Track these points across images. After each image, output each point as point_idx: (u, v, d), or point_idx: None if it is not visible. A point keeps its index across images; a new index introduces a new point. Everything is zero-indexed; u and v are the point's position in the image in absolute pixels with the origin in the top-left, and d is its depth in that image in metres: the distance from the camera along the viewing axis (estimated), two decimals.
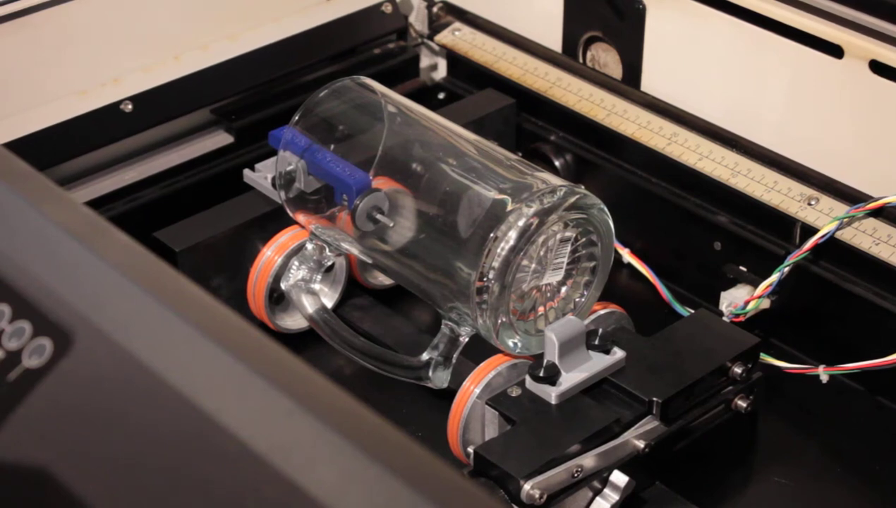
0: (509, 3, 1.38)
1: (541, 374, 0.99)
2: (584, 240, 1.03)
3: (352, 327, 1.13)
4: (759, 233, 1.16)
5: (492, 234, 0.99)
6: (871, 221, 1.10)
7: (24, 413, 0.69)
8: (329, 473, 0.61)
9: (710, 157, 1.19)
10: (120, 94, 1.24)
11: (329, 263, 1.15)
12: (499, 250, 0.99)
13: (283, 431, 0.63)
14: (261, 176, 1.20)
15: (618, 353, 1.02)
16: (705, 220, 1.19)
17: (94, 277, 0.71)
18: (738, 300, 1.14)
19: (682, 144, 1.21)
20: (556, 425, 0.98)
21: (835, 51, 1.14)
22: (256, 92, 1.33)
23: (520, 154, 1.27)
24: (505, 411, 1.00)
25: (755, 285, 1.14)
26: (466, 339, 1.05)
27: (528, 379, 1.00)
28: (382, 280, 1.21)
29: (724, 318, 1.13)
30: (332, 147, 1.10)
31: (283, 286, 1.14)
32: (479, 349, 1.04)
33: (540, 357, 1.01)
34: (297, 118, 1.12)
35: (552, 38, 1.35)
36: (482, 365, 1.03)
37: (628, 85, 1.28)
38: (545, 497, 0.94)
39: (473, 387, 1.02)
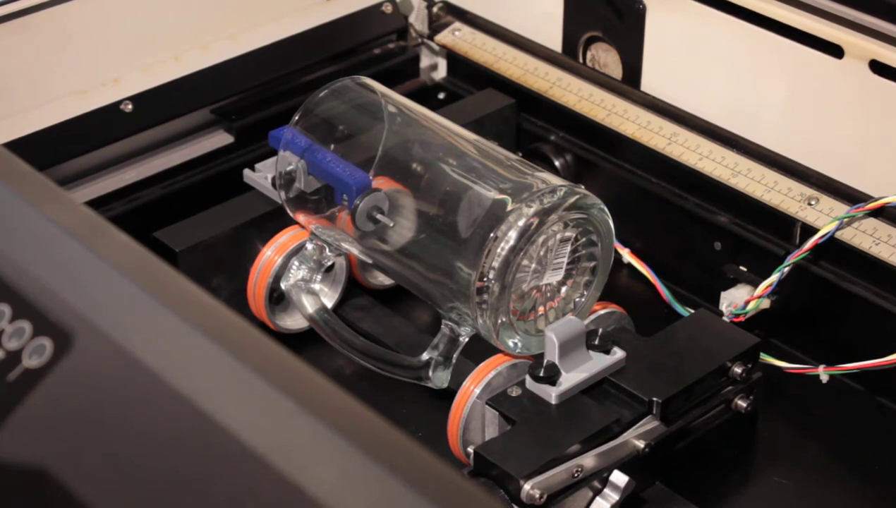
0: (509, 3, 1.38)
1: (541, 374, 0.99)
2: (584, 240, 1.03)
3: (352, 327, 1.13)
4: (759, 233, 1.16)
5: (492, 234, 0.99)
6: (871, 221, 1.10)
7: (24, 413, 0.69)
8: (329, 473, 0.61)
9: (710, 157, 1.19)
10: (120, 94, 1.24)
11: (329, 263, 1.15)
12: (499, 250, 0.99)
13: (283, 431, 0.63)
14: (261, 176, 1.20)
15: (618, 353, 1.02)
16: (705, 220, 1.19)
17: (94, 277, 0.71)
18: (738, 300, 1.14)
19: (682, 144, 1.21)
20: (556, 425, 0.98)
21: (835, 51, 1.14)
22: (256, 92, 1.33)
23: (520, 154, 1.27)
24: (505, 411, 1.00)
25: (755, 285, 1.14)
26: (466, 339, 1.05)
27: (528, 379, 1.00)
28: (382, 280, 1.21)
29: (724, 318, 1.13)
30: (332, 147, 1.10)
31: (283, 286, 1.14)
32: (479, 349, 1.04)
33: (540, 357, 1.01)
34: (297, 118, 1.12)
35: (552, 38, 1.35)
36: (482, 365, 1.03)
37: (628, 85, 1.28)
38: (545, 497, 0.94)
39: (473, 387, 1.02)
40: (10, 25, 1.18)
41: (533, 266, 1.01)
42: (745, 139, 1.19)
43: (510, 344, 1.02)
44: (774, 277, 1.11)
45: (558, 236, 1.01)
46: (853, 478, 1.08)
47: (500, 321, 1.01)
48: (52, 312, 0.70)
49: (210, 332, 0.67)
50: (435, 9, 1.41)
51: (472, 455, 0.97)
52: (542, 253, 1.01)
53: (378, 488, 0.60)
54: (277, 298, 1.17)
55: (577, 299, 1.05)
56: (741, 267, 1.17)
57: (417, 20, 1.43)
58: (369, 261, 1.12)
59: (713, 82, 1.24)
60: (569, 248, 1.02)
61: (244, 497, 0.62)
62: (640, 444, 0.99)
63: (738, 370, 1.04)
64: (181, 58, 1.28)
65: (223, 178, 1.27)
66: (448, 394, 1.05)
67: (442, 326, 1.06)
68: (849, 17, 1.13)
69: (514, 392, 1.00)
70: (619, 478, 0.98)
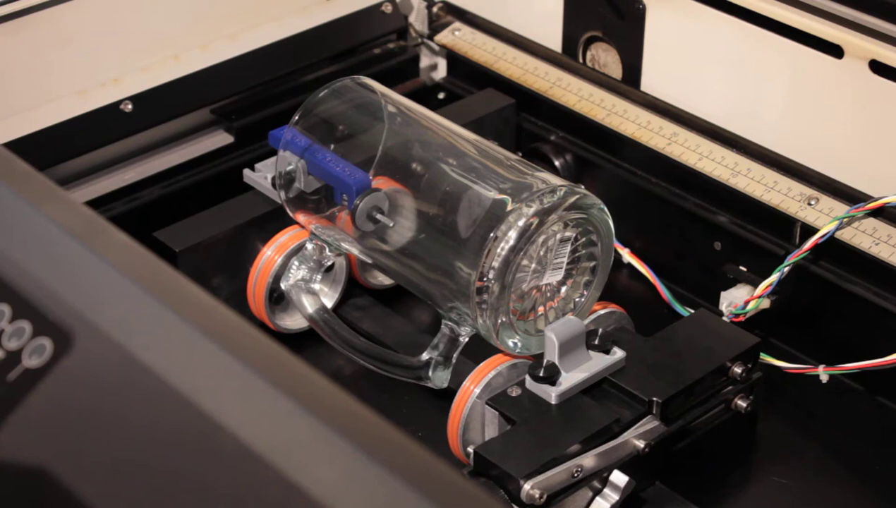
0: (509, 3, 1.38)
1: (541, 374, 0.99)
2: (584, 239, 1.03)
3: (352, 327, 1.13)
4: (759, 233, 1.16)
5: (492, 234, 0.99)
6: (871, 221, 1.10)
7: (24, 413, 0.69)
8: (329, 473, 0.61)
9: (710, 157, 1.19)
10: (120, 94, 1.24)
11: (329, 263, 1.15)
12: (499, 250, 0.99)
13: (283, 431, 0.63)
14: (261, 176, 1.20)
15: (618, 353, 1.02)
16: (705, 220, 1.19)
17: (94, 277, 0.71)
18: (738, 300, 1.14)
19: (682, 144, 1.21)
20: (556, 425, 0.98)
21: (835, 51, 1.14)
22: (256, 92, 1.33)
23: (520, 154, 1.27)
24: (505, 411, 1.00)
25: (755, 285, 1.14)
26: (466, 339, 1.05)
27: (528, 379, 1.00)
28: (382, 280, 1.21)
29: (724, 318, 1.13)
30: (332, 147, 1.10)
31: (283, 286, 1.14)
32: (479, 349, 1.04)
33: (540, 357, 1.01)
34: (296, 118, 1.12)
35: (552, 38, 1.35)
36: (482, 365, 1.03)
37: (628, 85, 1.28)
38: (545, 496, 0.94)
39: (473, 387, 1.02)
40: (10, 25, 1.18)
41: (533, 266, 1.01)
42: (745, 139, 1.19)
43: (510, 344, 1.02)
44: (774, 277, 1.11)
45: (558, 236, 1.01)
46: (853, 478, 1.08)
47: (500, 321, 1.01)
48: (52, 312, 0.70)
49: (210, 332, 0.67)
50: (435, 9, 1.41)
51: (472, 455, 0.97)
52: (542, 253, 1.01)
53: (378, 488, 0.60)
54: (277, 298, 1.17)
55: (577, 299, 1.05)
56: (741, 267, 1.17)
57: (417, 20, 1.43)
58: (369, 261, 1.12)
59: (713, 82, 1.24)
60: (569, 248, 1.02)
61: (244, 497, 0.62)
62: (640, 444, 0.99)
63: (738, 370, 1.04)
64: (181, 58, 1.28)
65: (223, 178, 1.27)
66: (448, 394, 1.05)
67: (442, 326, 1.06)
68: (849, 17, 1.13)
69: (514, 392, 1.00)
70: (619, 478, 0.98)
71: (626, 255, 1.21)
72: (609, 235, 1.04)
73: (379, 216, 1.07)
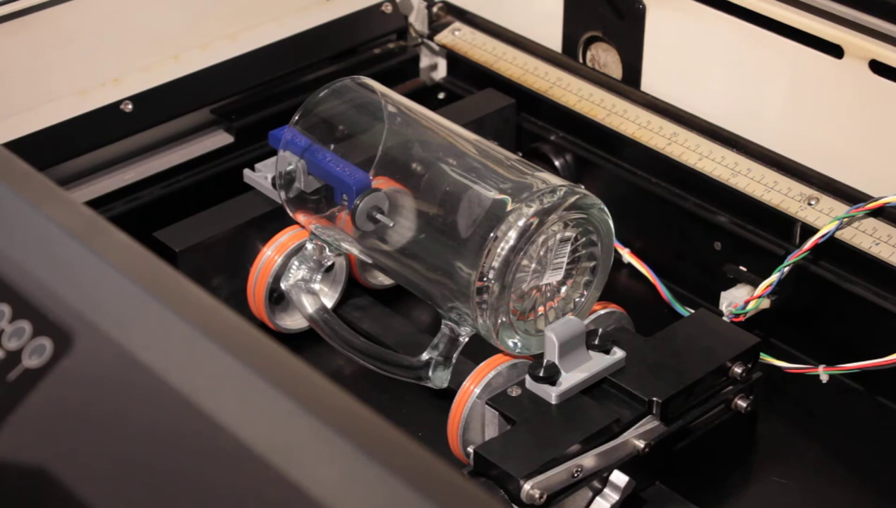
0: (509, 3, 1.38)
1: (541, 374, 0.99)
2: (584, 239, 1.03)
3: (352, 327, 1.13)
4: (759, 233, 1.16)
5: (492, 234, 0.99)
6: (871, 221, 1.10)
7: (24, 413, 0.69)
8: (329, 473, 0.61)
9: (710, 157, 1.19)
10: (120, 94, 1.24)
11: (329, 263, 1.15)
12: (499, 250, 0.99)
13: (283, 431, 0.63)
14: (261, 176, 1.20)
15: (618, 353, 1.02)
16: (705, 220, 1.19)
17: (94, 277, 0.71)
18: (738, 300, 1.14)
19: (682, 144, 1.21)
20: (556, 425, 0.98)
21: (835, 51, 1.14)
22: (256, 92, 1.33)
23: (520, 154, 1.27)
24: (505, 411, 1.00)
25: (755, 285, 1.14)
26: (466, 339, 1.05)
27: (528, 378, 1.00)
28: (382, 280, 1.21)
29: (724, 318, 1.13)
30: (332, 147, 1.10)
31: (283, 286, 1.14)
32: (479, 349, 1.04)
33: (540, 357, 1.01)
34: (296, 118, 1.12)
35: (552, 38, 1.35)
36: (482, 365, 1.03)
37: (628, 85, 1.28)
38: (545, 496, 0.94)
39: (473, 387, 1.02)
40: (10, 25, 1.18)
41: (533, 266, 1.01)
42: (745, 139, 1.19)
43: (510, 344, 1.02)
44: (774, 277, 1.11)
45: (558, 236, 1.01)
46: (853, 478, 1.08)
47: (500, 321, 1.01)
48: (52, 312, 0.70)
49: (210, 332, 0.67)
50: (435, 9, 1.41)
51: (472, 455, 0.97)
52: (542, 253, 1.01)
53: (378, 488, 0.60)
54: (277, 298, 1.17)
55: (577, 299, 1.05)
56: (741, 267, 1.17)
57: (417, 20, 1.43)
58: (369, 261, 1.12)
59: (713, 82, 1.24)
60: (569, 248, 1.02)
61: (244, 497, 0.62)
62: (640, 444, 0.99)
63: (738, 370, 1.04)
64: (181, 58, 1.28)
65: (223, 178, 1.27)
66: (448, 394, 1.05)
67: (442, 326, 1.06)
68: (849, 17, 1.13)
69: (514, 392, 1.00)
70: (619, 478, 0.98)
71: (626, 255, 1.21)
72: (609, 235, 1.04)
73: (379, 216, 1.07)
